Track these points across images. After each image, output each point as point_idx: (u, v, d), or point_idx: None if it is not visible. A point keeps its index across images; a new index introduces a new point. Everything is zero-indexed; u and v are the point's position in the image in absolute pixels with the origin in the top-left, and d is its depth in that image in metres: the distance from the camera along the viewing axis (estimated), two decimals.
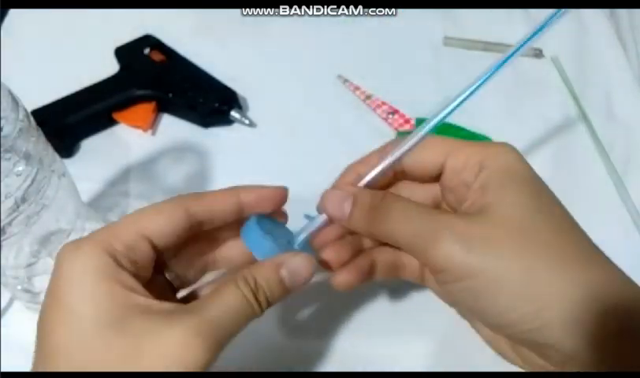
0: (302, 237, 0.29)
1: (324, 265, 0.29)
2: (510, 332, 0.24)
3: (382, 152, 0.28)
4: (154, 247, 0.25)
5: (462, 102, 0.26)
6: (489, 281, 0.23)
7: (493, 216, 0.24)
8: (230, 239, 0.30)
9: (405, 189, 0.30)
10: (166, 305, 0.24)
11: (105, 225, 0.26)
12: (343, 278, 0.29)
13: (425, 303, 0.36)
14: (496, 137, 0.47)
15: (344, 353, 0.36)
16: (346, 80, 0.53)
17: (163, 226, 0.25)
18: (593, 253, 0.25)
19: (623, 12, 0.57)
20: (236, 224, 0.29)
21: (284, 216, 0.30)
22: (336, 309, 0.38)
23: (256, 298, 0.25)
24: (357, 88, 0.52)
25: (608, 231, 0.41)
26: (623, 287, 0.24)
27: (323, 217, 0.28)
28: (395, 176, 0.30)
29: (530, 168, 0.27)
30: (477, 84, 0.26)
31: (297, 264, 0.26)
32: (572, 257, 0.24)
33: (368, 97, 0.51)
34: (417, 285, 0.36)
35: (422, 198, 0.30)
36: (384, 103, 0.51)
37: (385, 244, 0.30)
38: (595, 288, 0.23)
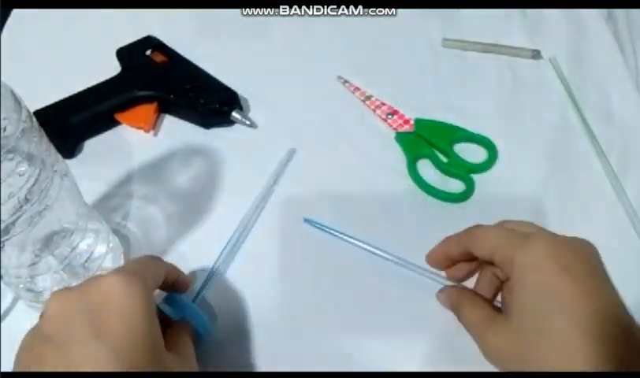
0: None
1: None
2: None
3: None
4: None
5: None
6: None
7: (511, 321, 0.29)
8: None
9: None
10: None
11: None
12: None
13: (425, 303, 0.36)
14: (494, 138, 0.47)
15: (344, 353, 0.37)
16: (346, 81, 0.53)
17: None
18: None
19: (620, 14, 0.58)
20: None
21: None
22: (335, 309, 0.39)
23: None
24: (357, 89, 0.52)
25: (606, 231, 0.42)
26: None
27: None
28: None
29: (557, 271, 0.27)
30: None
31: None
32: None
33: (368, 97, 0.51)
34: (416, 286, 0.37)
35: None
36: (383, 104, 0.51)
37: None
38: None
